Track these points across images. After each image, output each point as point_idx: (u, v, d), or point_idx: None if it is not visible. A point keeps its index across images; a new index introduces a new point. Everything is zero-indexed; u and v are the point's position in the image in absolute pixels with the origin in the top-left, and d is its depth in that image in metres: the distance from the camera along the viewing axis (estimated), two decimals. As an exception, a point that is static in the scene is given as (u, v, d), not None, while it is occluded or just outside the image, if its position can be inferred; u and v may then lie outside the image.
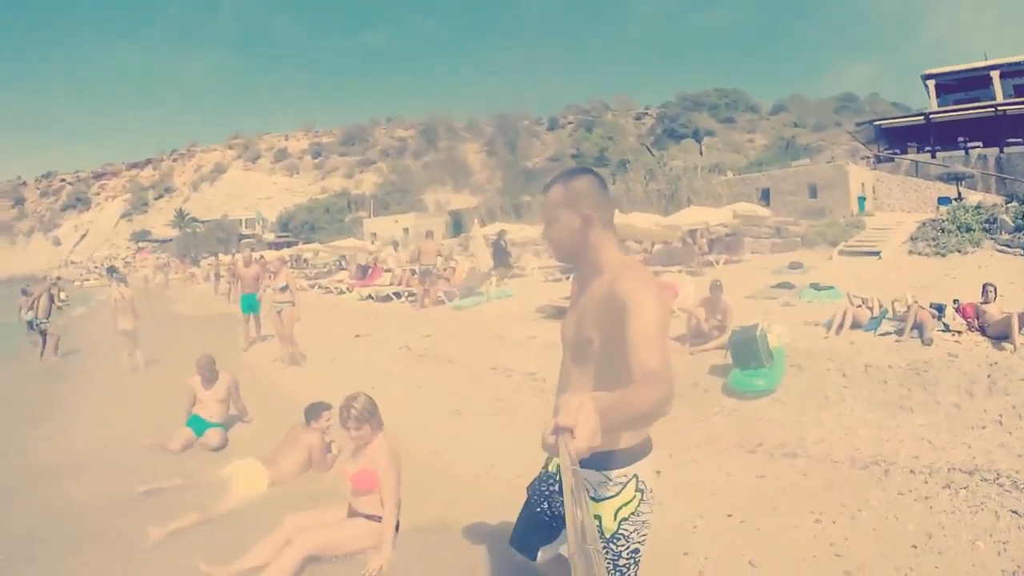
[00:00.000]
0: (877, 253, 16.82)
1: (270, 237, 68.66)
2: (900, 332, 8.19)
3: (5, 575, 4.21)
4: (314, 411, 6.20)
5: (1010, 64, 34.97)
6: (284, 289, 11.82)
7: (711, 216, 20.03)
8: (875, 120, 37.31)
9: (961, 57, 37.57)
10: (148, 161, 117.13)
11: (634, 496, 2.29)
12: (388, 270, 24.40)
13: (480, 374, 9.11)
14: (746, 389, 6.80)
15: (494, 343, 10.88)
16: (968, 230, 16.01)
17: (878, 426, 5.63)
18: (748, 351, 7.15)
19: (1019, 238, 14.95)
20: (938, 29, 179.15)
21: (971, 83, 35.38)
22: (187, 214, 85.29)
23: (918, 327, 8.17)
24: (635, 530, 2.30)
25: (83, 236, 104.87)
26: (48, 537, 4.71)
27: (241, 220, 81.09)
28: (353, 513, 4.42)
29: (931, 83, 36.80)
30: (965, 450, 5.06)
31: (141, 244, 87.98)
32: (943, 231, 16.45)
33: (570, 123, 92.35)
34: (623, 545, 2.29)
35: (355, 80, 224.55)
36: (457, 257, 25.57)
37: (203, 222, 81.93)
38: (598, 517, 2.27)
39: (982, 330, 8.10)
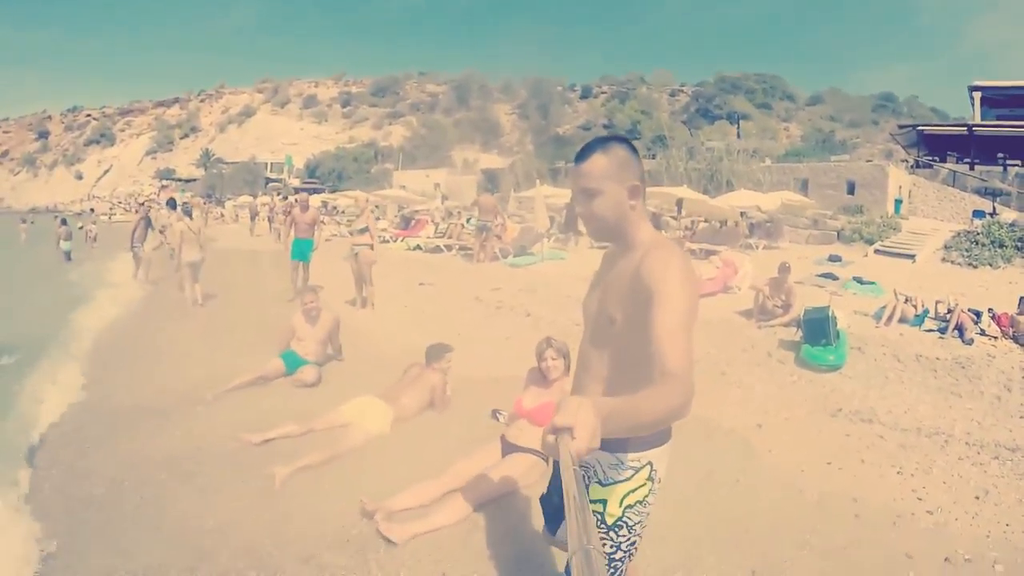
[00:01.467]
0: (912, 256, 17.65)
1: (295, 183, 69.17)
2: (943, 331, 9.14)
3: (129, 523, 4.13)
4: (437, 352, 6.38)
5: None
6: (363, 231, 11.96)
7: (761, 200, 20.66)
8: (917, 125, 37.75)
9: (1000, 72, 38.02)
10: (175, 100, 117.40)
11: (644, 484, 2.26)
12: (436, 223, 25.04)
13: (564, 328, 9.37)
14: (820, 362, 7.82)
15: (566, 301, 11.20)
16: (1001, 245, 16.89)
17: (934, 405, 6.68)
18: (820, 329, 8.17)
19: (1050, 258, 15.85)
20: (981, 41, 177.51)
21: (1017, 101, 35.84)
22: (213, 154, 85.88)
23: (959, 328, 9.12)
24: (638, 520, 2.29)
25: (106, 171, 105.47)
26: (168, 479, 4.72)
27: (267, 163, 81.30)
28: (512, 448, 4.62)
29: (977, 95, 37.16)
30: (1007, 433, 6.09)
31: (165, 182, 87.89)
32: (977, 243, 17.33)
33: (604, 93, 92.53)
34: (623, 536, 2.27)
35: (388, 32, 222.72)
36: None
37: (229, 163, 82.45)
38: (603, 502, 2.26)
39: (1015, 339, 9.07)
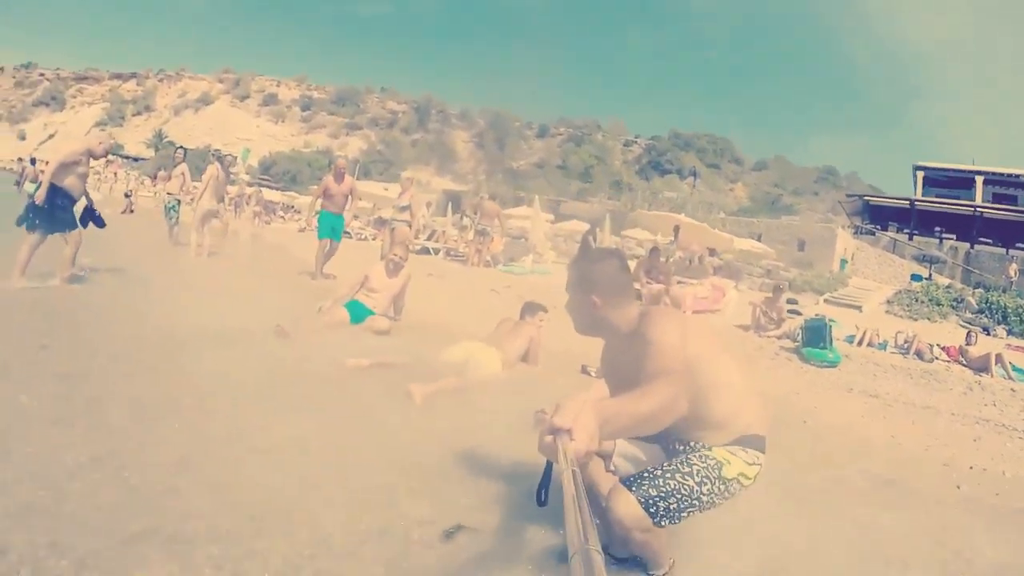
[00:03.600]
0: (859, 307, 19.70)
1: (246, 178, 68.37)
2: (904, 353, 11.10)
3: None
4: (532, 308, 6.72)
5: (994, 173, 39.93)
6: (405, 208, 12.35)
7: (734, 242, 22.44)
8: (864, 196, 41.41)
9: (942, 156, 42.31)
10: (133, 75, 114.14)
11: (754, 476, 2.49)
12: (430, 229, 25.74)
13: None
14: (821, 359, 9.51)
15: None
16: (938, 304, 19.20)
17: (920, 393, 8.41)
18: (819, 333, 9.90)
19: (979, 318, 18.12)
20: (927, 125, 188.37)
21: (956, 182, 39.98)
22: (166, 136, 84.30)
23: (918, 353, 11.07)
24: (721, 495, 2.42)
25: (51, 136, 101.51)
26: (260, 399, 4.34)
27: (222, 154, 79.89)
28: None
29: (920, 174, 41.20)
30: (982, 410, 7.91)
31: (112, 157, 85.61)
32: (916, 300, 19.63)
33: (560, 134, 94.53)
34: (706, 491, 2.37)
35: (353, 44, 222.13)
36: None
37: (181, 148, 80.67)
38: (725, 463, 2.43)
39: (965, 365, 11.02)
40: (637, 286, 14.74)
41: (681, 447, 2.53)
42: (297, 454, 3.51)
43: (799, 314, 15.48)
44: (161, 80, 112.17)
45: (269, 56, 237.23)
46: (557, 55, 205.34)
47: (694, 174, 69.14)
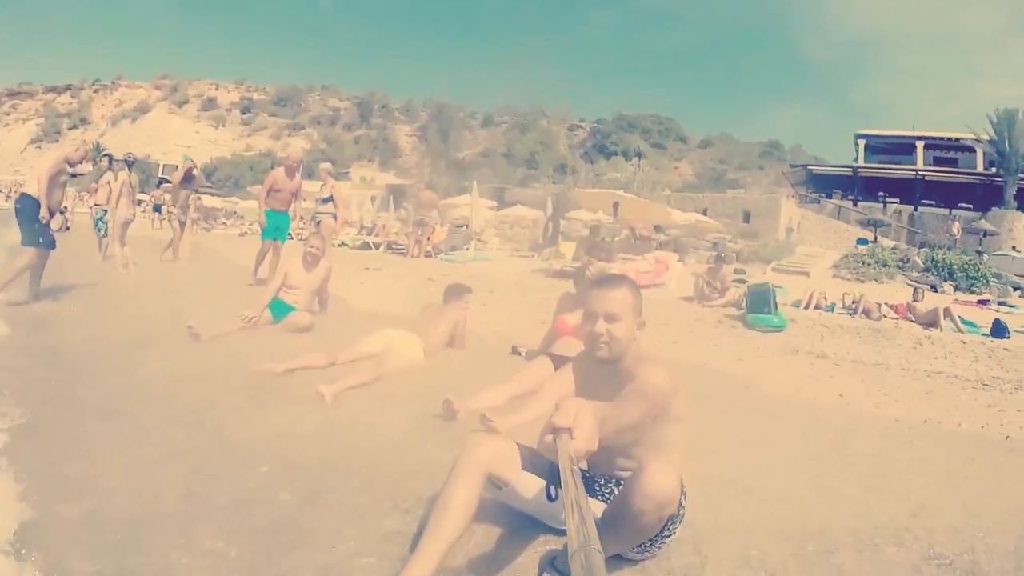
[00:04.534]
0: (806, 273, 19.60)
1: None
2: (852, 313, 10.83)
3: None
4: (456, 291, 6.44)
5: (934, 138, 40.34)
6: (327, 201, 11.57)
7: (678, 217, 22.21)
8: (807, 165, 41.66)
9: (884, 125, 42.59)
10: (68, 87, 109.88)
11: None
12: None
13: (528, 308, 10.06)
14: (766, 324, 9.20)
15: (518, 287, 12.22)
16: (884, 265, 19.12)
17: (868, 350, 8.11)
18: (762, 299, 9.58)
19: (926, 276, 18.08)
20: (870, 94, 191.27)
21: (897, 148, 40.38)
22: (104, 149, 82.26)
23: (866, 312, 10.81)
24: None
25: None
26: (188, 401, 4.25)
27: (160, 164, 78.36)
28: (564, 360, 4.46)
29: (862, 142, 41.64)
30: (932, 363, 7.66)
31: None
32: (863, 263, 19.53)
33: (505, 122, 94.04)
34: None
35: (294, 41, 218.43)
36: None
37: (121, 160, 79.01)
38: None
39: (913, 321, 10.79)
40: (578, 264, 14.41)
41: (603, 480, 2.54)
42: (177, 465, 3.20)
43: (745, 282, 15.29)
44: (96, 91, 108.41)
45: (207, 59, 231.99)
46: (503, 43, 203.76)
47: (638, 154, 69.47)
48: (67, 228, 20.82)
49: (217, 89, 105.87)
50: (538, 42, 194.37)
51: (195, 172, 13.83)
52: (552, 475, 2.32)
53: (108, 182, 13.38)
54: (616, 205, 17.01)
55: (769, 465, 3.58)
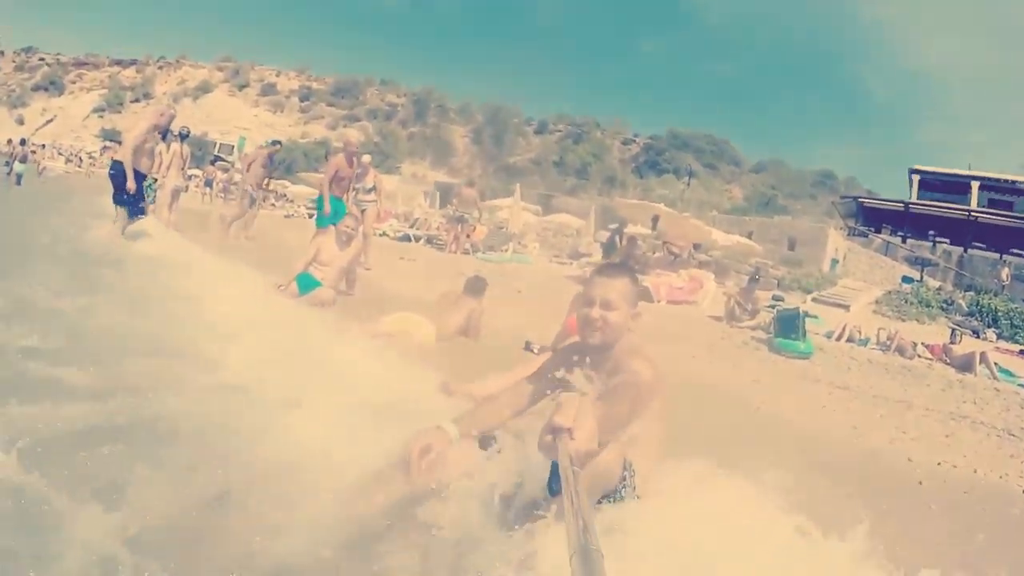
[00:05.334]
0: (846, 306, 19.18)
1: (239, 166, 67.91)
2: (885, 349, 10.52)
3: None
4: (478, 284, 6.75)
5: (990, 179, 39.45)
6: (371, 190, 12.16)
7: (719, 236, 21.87)
8: (858, 197, 40.84)
9: (940, 163, 41.55)
10: (133, 62, 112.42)
11: None
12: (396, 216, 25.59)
13: (552, 309, 10.24)
14: (792, 350, 8.96)
15: (543, 289, 12.16)
16: (928, 305, 18.62)
17: (894, 386, 7.83)
18: (791, 324, 9.34)
19: (969, 320, 17.56)
20: (928, 131, 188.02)
21: (952, 187, 39.43)
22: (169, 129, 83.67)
23: (900, 349, 10.50)
24: None
25: (49, 121, 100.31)
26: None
27: (216, 143, 79.50)
28: None
29: (916, 177, 40.68)
30: (960, 406, 7.33)
31: (108, 142, 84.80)
32: (906, 301, 19.05)
33: (559, 131, 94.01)
34: None
35: (356, 35, 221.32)
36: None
37: (175, 133, 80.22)
38: None
39: (948, 363, 10.45)
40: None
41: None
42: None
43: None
44: (160, 68, 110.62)
45: (270, 45, 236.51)
46: (565, 54, 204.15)
47: (690, 173, 68.77)
48: None
49: (278, 76, 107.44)
50: (598, 57, 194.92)
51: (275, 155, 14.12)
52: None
53: (160, 152, 13.84)
54: (655, 219, 16.78)
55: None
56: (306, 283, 7.16)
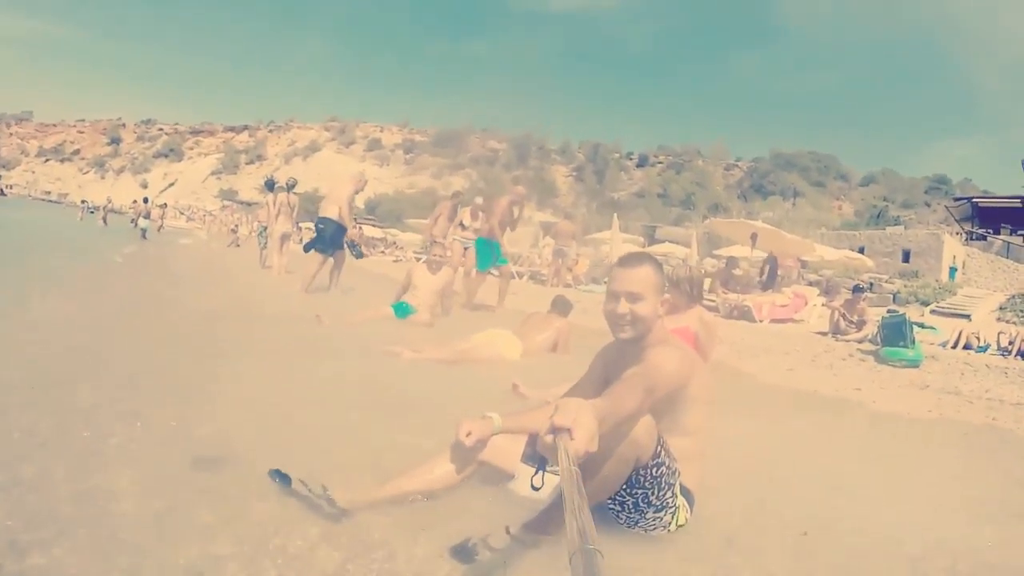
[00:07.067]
0: (968, 316, 18.23)
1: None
2: (1006, 354, 10.02)
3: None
4: (563, 304, 7.03)
5: None
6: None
7: (824, 252, 21.23)
8: (972, 198, 38.59)
9: None
10: (245, 127, 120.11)
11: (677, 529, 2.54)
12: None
13: None
14: (900, 358, 8.67)
15: None
16: (1058, 309, 17.51)
17: (1013, 391, 7.43)
18: (898, 331, 9.06)
19: (1102, 320, 16.44)
20: None
21: None
22: (277, 182, 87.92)
23: (1022, 353, 9.97)
24: (655, 528, 2.48)
25: (171, 184, 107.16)
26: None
27: (292, 183, 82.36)
28: None
29: None
30: None
31: (227, 202, 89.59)
32: (1032, 305, 17.96)
33: (660, 162, 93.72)
34: (652, 524, 2.47)
35: (452, 86, 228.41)
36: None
37: (281, 185, 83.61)
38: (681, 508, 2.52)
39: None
40: (714, 298, 14.18)
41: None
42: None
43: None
44: (271, 131, 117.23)
45: (373, 103, 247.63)
46: (659, 83, 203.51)
47: (794, 193, 67.09)
48: (237, 245, 23.52)
49: (382, 131, 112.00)
50: (691, 81, 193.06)
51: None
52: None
53: (268, 203, 15.04)
54: (754, 236, 16.46)
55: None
56: (401, 310, 7.87)
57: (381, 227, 56.44)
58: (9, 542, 2.00)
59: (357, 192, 10.80)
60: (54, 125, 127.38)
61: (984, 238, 33.57)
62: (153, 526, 2.23)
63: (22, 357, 4.33)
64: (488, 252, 10.95)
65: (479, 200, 13.78)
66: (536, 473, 2.06)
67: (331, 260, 10.70)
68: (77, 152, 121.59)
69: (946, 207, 43.38)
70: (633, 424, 2.16)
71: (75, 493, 2.39)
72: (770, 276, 16.47)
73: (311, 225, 38.27)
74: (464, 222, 12.71)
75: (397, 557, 2.22)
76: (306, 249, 10.70)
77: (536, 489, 2.07)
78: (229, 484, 2.63)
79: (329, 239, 10.36)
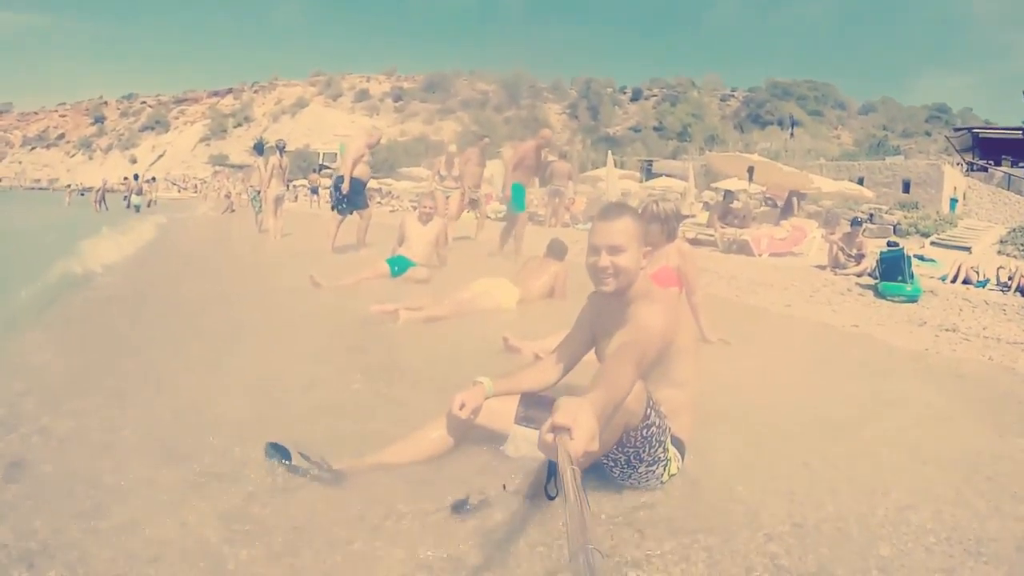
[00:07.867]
0: (968, 248, 18.12)
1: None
2: (1005, 289, 9.93)
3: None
4: (559, 247, 6.97)
5: None
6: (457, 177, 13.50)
7: (822, 183, 20.95)
8: (973, 128, 38.06)
9: None
10: (229, 90, 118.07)
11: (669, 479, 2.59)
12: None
13: None
14: (898, 293, 8.60)
15: None
16: (1059, 240, 17.38)
17: (1011, 329, 7.36)
18: (896, 266, 9.00)
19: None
20: None
21: None
22: (267, 142, 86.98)
23: (1021, 289, 9.88)
24: (647, 483, 2.52)
25: (160, 156, 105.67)
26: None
27: (320, 152, 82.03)
28: None
29: None
30: None
31: (218, 167, 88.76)
32: (1034, 238, 17.83)
33: (654, 96, 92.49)
34: (644, 477, 2.50)
35: (439, 29, 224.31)
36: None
37: (272, 146, 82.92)
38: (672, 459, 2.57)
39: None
40: (712, 232, 14.11)
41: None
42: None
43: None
44: (256, 92, 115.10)
45: (356, 54, 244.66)
46: (650, 16, 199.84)
47: (793, 123, 66.32)
48: (232, 210, 23.73)
49: (368, 81, 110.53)
50: (684, 15, 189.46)
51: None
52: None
53: (260, 166, 15.42)
54: (751, 170, 16.23)
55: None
56: (399, 264, 7.89)
57: (376, 178, 56.08)
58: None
59: (371, 147, 10.96)
60: (35, 113, 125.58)
61: (985, 169, 33.00)
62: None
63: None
64: (523, 195, 11.13)
65: (452, 148, 14.02)
66: (549, 481, 2.09)
67: (356, 217, 11.09)
68: (62, 136, 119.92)
69: (946, 137, 42.67)
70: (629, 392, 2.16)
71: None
72: (786, 208, 16.42)
73: (303, 182, 38.24)
74: (441, 171, 13.24)
75: (401, 515, 2.32)
76: (334, 208, 11.05)
77: (552, 497, 2.09)
78: (227, 461, 2.70)
79: (347, 197, 10.67)
